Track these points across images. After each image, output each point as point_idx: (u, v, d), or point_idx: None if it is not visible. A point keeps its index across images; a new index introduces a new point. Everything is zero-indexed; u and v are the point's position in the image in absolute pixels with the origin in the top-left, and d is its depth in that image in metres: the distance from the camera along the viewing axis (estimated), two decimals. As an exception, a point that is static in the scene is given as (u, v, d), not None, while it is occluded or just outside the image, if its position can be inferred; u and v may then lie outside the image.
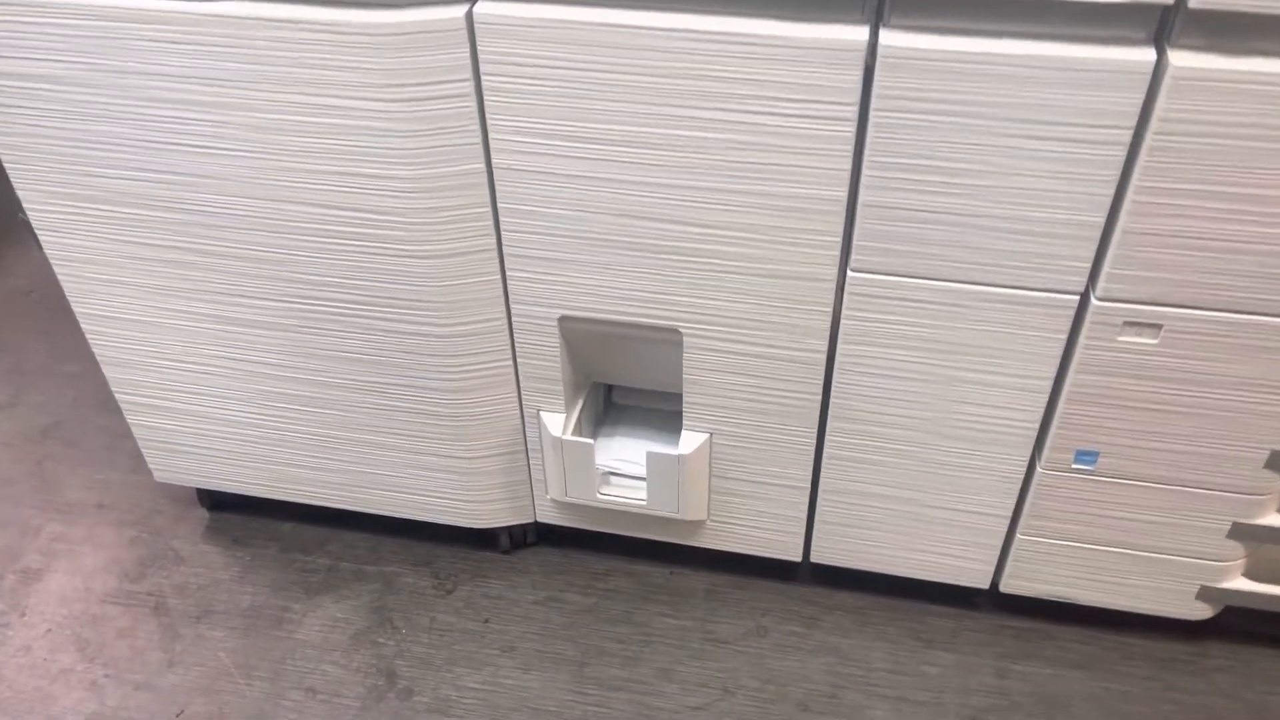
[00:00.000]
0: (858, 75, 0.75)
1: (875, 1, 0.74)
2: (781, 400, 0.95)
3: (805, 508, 1.04)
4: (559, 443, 1.01)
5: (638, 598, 1.14)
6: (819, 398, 0.94)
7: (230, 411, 1.09)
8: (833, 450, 0.98)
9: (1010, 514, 0.99)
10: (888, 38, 0.73)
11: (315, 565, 1.18)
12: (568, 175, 0.85)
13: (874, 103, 0.76)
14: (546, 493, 1.10)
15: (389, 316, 0.96)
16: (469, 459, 1.07)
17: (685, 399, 0.98)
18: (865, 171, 0.79)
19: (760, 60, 0.75)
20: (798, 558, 1.09)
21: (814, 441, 0.98)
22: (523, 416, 1.04)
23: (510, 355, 0.99)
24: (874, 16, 0.74)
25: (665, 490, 1.03)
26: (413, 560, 1.18)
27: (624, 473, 1.06)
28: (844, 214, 0.82)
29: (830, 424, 0.96)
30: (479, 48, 0.79)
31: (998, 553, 1.02)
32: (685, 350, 0.94)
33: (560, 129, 0.82)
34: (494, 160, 0.85)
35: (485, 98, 0.82)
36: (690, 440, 1.00)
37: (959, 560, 1.04)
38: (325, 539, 1.21)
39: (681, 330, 0.93)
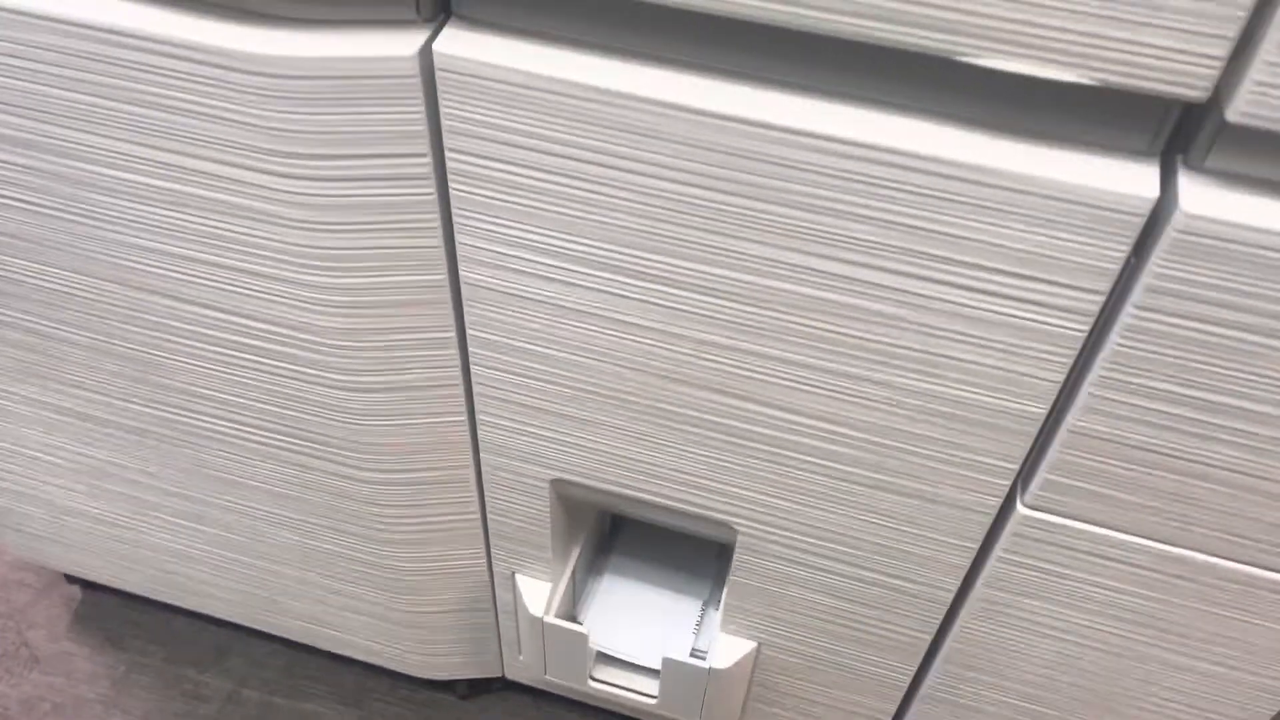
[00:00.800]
0: (1123, 249, 0.41)
1: (1170, 124, 0.40)
2: (877, 631, 0.64)
3: (879, 736, 0.75)
4: (539, 623, 0.71)
5: (631, 787, 0.85)
6: (930, 636, 0.64)
7: (98, 510, 0.78)
8: (933, 691, 0.68)
9: (1175, 801, 0.69)
10: (1193, 195, 0.39)
11: (209, 690, 0.89)
12: (578, 310, 0.52)
13: (1137, 295, 0.42)
14: (519, 656, 0.81)
15: (304, 451, 0.64)
16: (414, 613, 0.77)
17: (727, 599, 0.67)
18: (1088, 389, 0.46)
19: (936, 199, 0.42)
20: (854, 779, 0.81)
21: (909, 679, 0.68)
22: (491, 575, 0.74)
23: (477, 508, 0.68)
24: (1160, 148, 0.40)
25: (685, 697, 0.73)
26: (339, 695, 0.90)
27: (628, 660, 0.76)
28: (1034, 435, 0.50)
29: (940, 665, 0.65)
30: (442, 107, 0.45)
31: (1140, 830, 0.73)
32: (739, 551, 0.63)
33: (572, 245, 0.49)
34: (462, 274, 0.52)
35: (451, 183, 0.48)
36: (729, 650, 0.70)
37: (1081, 825, 0.75)
38: (225, 648, 0.92)
39: (738, 529, 0.61)
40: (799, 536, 0.59)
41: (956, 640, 0.63)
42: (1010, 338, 0.45)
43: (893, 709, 0.71)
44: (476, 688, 0.89)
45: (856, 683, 0.69)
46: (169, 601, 0.87)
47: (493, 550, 0.70)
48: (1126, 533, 0.52)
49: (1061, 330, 0.44)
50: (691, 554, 0.82)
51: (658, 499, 0.61)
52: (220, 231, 0.52)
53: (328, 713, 0.88)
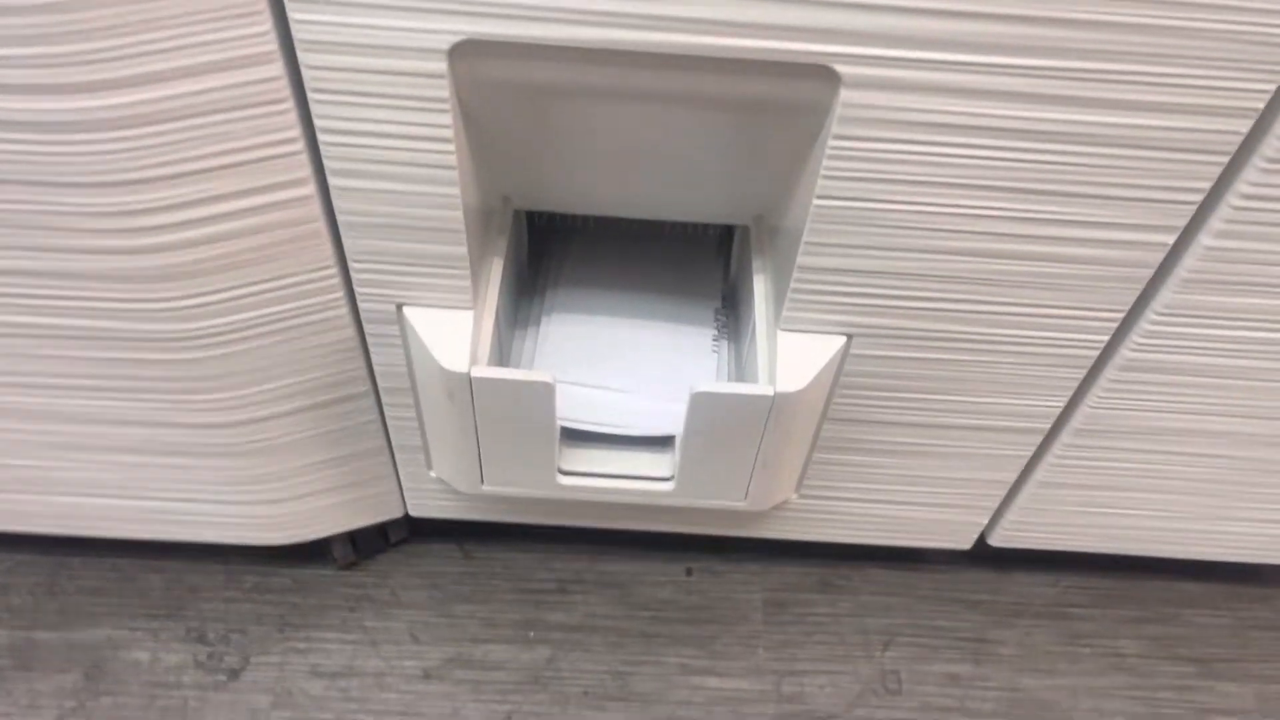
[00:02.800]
0: None
1: None
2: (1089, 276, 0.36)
3: (1020, 467, 0.48)
4: (463, 383, 0.40)
5: (633, 642, 0.56)
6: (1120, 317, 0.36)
7: None
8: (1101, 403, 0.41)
9: None
10: None
11: (-77, 645, 0.54)
12: None
13: None
14: (430, 470, 0.50)
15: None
16: (228, 425, 0.44)
17: (806, 245, 0.37)
18: None
19: None
20: (968, 544, 0.54)
21: (1084, 373, 0.41)
22: (357, 322, 0.41)
23: (302, 147, 0.35)
24: None
25: (724, 464, 0.44)
26: (146, 605, 0.56)
27: (613, 431, 0.46)
28: None
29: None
30: None
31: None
32: (839, 127, 0.32)
33: None
34: None
35: None
36: (802, 358, 0.40)
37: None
38: (-54, 576, 0.57)
39: (844, 78, 0.31)
40: (955, 57, 0.30)
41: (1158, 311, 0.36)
42: None
43: (1058, 410, 0.44)
44: (365, 548, 0.58)
45: (1022, 379, 0.42)
46: None
47: (350, 262, 0.38)
48: None
49: None
50: (668, 270, 0.52)
51: (690, 39, 0.30)
52: None
53: (138, 634, 0.55)
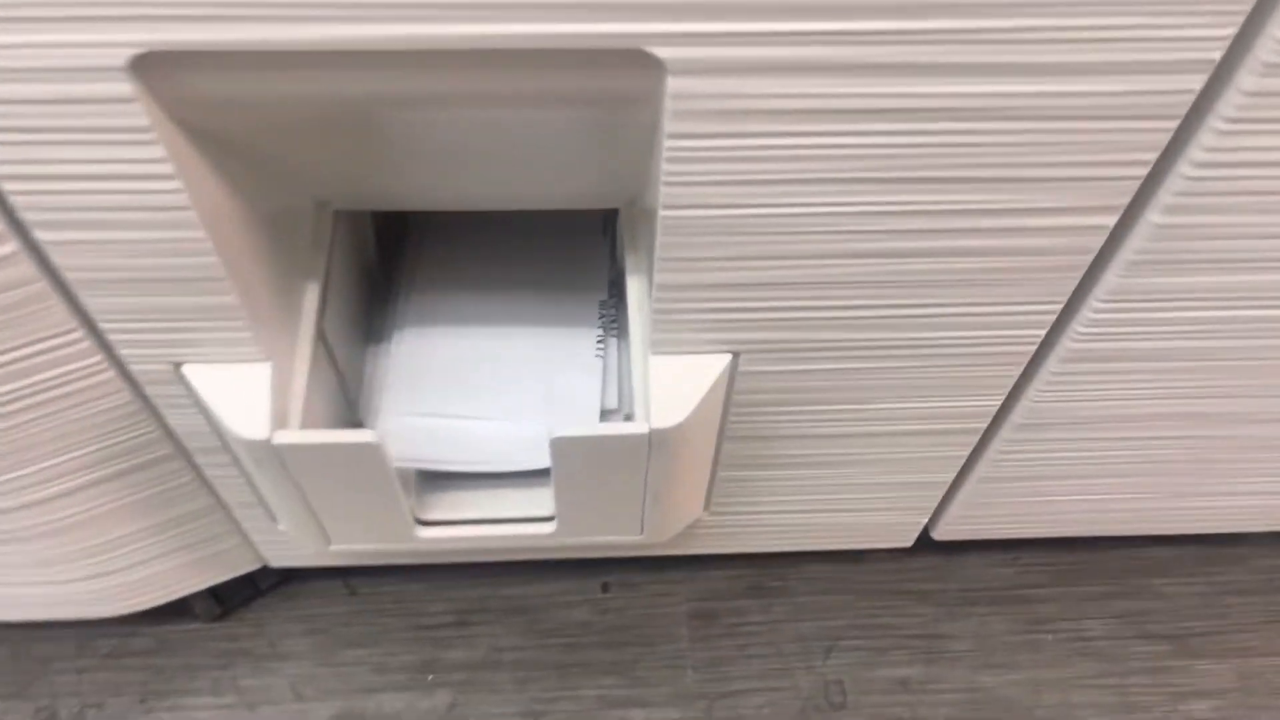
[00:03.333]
0: None
1: None
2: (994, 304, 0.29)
3: (957, 468, 0.41)
4: (266, 451, 0.32)
5: (545, 675, 0.50)
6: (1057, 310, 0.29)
7: None
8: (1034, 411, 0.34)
9: None
10: None
11: None
12: None
13: None
14: (278, 524, 0.43)
15: None
16: (7, 511, 0.37)
17: (661, 264, 0.30)
18: None
19: None
20: (908, 543, 0.48)
21: (1020, 369, 0.34)
22: (130, 383, 0.34)
23: None
24: None
25: (608, 503, 0.37)
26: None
27: (477, 470, 0.39)
28: None
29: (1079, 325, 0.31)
30: None
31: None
32: (671, 124, 0.25)
33: None
34: None
35: None
36: (678, 387, 0.33)
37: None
38: None
39: (668, 64, 0.23)
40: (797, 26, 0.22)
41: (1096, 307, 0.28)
42: None
43: (993, 407, 0.37)
44: (231, 598, 0.51)
45: (930, 385, 0.35)
46: None
47: (99, 323, 0.30)
48: None
49: None
50: (546, 255, 0.45)
51: (444, 30, 0.22)
52: None
53: (-24, 721, 0.48)
